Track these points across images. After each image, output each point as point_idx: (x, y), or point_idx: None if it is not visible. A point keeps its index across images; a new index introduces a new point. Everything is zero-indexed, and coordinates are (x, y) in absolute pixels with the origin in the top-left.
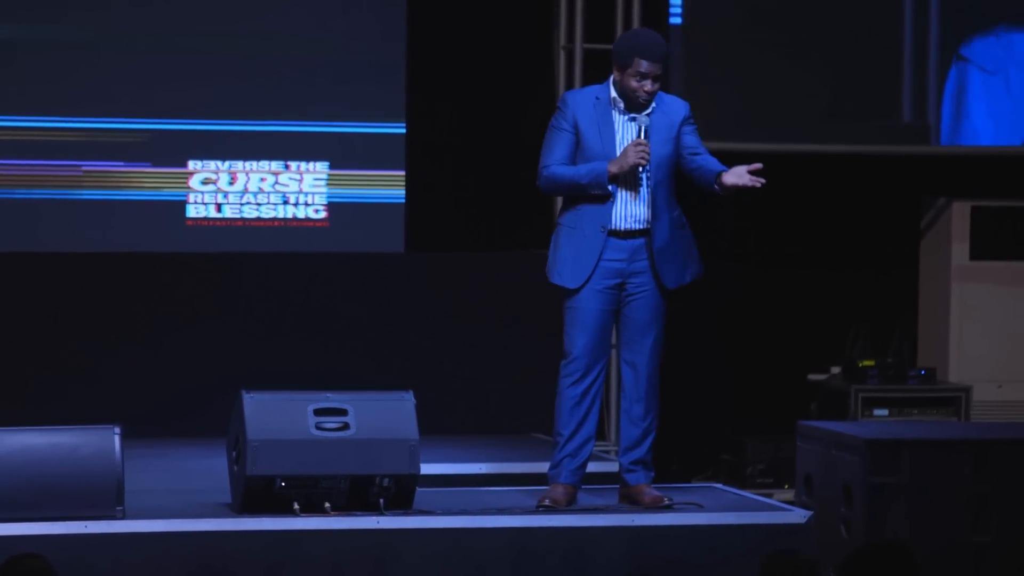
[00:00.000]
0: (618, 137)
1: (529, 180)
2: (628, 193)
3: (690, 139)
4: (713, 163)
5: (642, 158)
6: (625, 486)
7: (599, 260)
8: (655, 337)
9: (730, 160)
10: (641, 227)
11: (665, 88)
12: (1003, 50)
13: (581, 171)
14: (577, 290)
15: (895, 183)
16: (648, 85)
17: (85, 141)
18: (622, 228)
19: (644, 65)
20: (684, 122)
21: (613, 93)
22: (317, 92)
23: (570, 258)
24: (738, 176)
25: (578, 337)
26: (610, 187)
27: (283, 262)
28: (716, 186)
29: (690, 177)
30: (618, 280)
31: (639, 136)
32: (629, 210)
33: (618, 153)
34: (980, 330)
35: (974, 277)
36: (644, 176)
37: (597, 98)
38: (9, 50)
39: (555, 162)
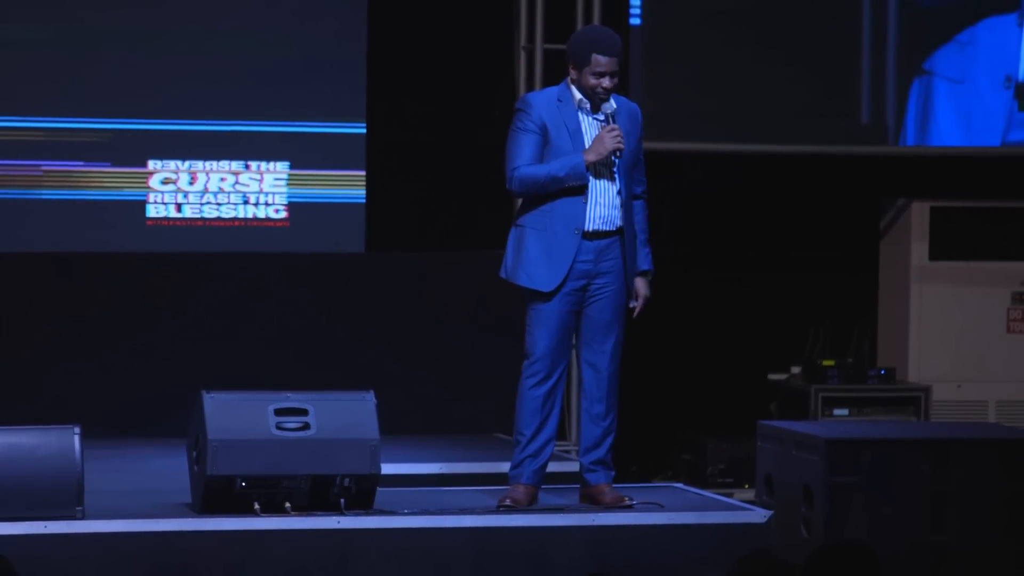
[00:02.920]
0: (587, 137)
1: (490, 180)
2: (599, 193)
3: (638, 168)
4: (640, 238)
5: (618, 143)
6: (586, 486)
7: (573, 263)
8: (616, 338)
9: (694, 161)
10: (608, 228)
11: (625, 89)
12: (967, 57)
13: (555, 166)
14: (548, 293)
15: (855, 183)
16: (606, 82)
17: (45, 141)
18: (591, 229)
19: (602, 61)
20: (640, 134)
21: (577, 95)
22: (277, 92)
23: (541, 260)
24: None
25: (541, 338)
26: (584, 189)
27: (243, 262)
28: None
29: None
30: (584, 282)
31: (609, 124)
32: (599, 211)
33: None
34: (939, 330)
35: (933, 277)
36: (615, 175)
37: (559, 99)
38: None
39: (525, 163)
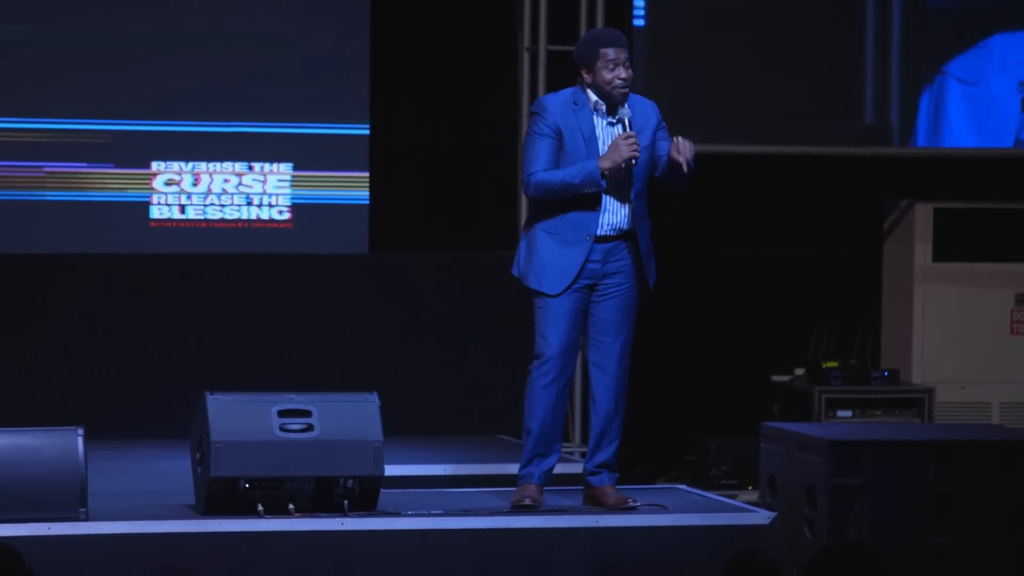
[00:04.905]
0: (600, 142)
1: (493, 181)
2: (613, 200)
3: (665, 145)
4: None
5: (634, 151)
6: (590, 487)
7: (583, 267)
8: (625, 339)
9: (697, 162)
10: (617, 232)
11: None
12: (982, 60)
13: (571, 172)
14: (556, 294)
15: (858, 185)
16: (622, 72)
17: (48, 142)
18: (601, 234)
19: (611, 52)
20: (658, 126)
21: (593, 97)
22: (281, 93)
23: (552, 264)
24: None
25: (553, 337)
26: (599, 196)
27: (247, 263)
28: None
29: (663, 177)
30: (592, 281)
31: (625, 130)
32: (610, 218)
33: None
34: (943, 331)
35: (937, 278)
36: (628, 182)
37: (575, 103)
38: None
39: (541, 168)
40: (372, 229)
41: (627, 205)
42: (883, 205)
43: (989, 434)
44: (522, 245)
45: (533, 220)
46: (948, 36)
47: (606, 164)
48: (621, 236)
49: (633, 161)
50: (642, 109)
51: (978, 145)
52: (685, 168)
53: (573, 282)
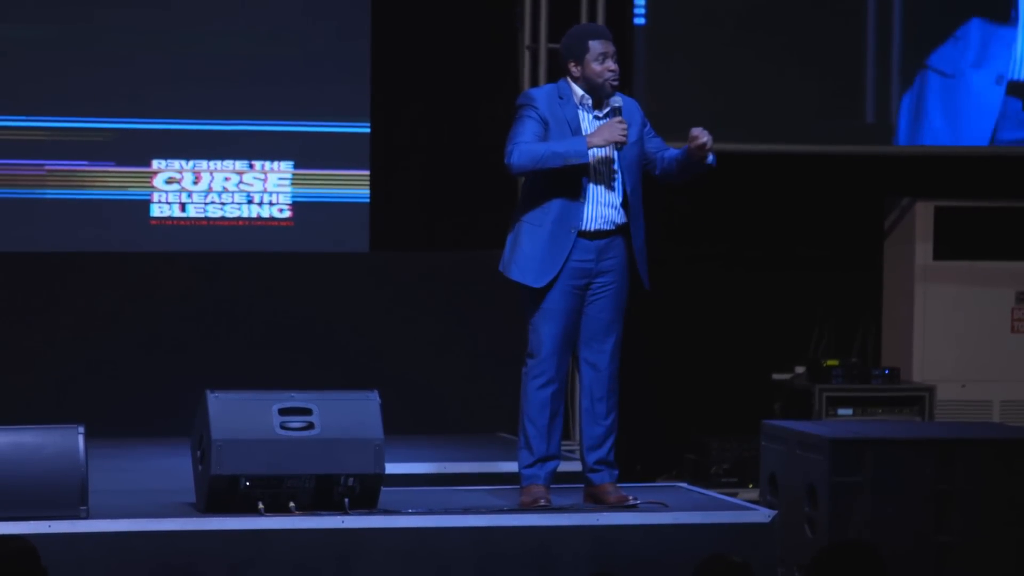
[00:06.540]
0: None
1: (493, 180)
2: (599, 192)
3: (655, 142)
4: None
5: (623, 136)
6: (590, 485)
7: (567, 260)
8: (616, 337)
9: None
10: (610, 228)
11: (628, 89)
12: (959, 52)
13: (556, 143)
14: (544, 289)
15: (859, 183)
16: (611, 63)
17: (48, 140)
18: (591, 228)
19: (599, 45)
20: (643, 124)
21: (579, 91)
22: (282, 91)
23: (536, 256)
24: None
25: (547, 338)
26: (583, 187)
27: (247, 262)
28: (690, 150)
29: (666, 171)
30: (586, 280)
31: (615, 116)
32: (599, 210)
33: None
34: (944, 330)
35: (938, 277)
36: (616, 175)
37: (560, 96)
38: None
39: (526, 141)
40: (373, 227)
41: (615, 198)
42: (884, 203)
43: (990, 432)
44: (508, 240)
45: (518, 214)
46: (944, 30)
47: (595, 140)
48: (616, 231)
49: (618, 146)
50: (627, 105)
51: (955, 138)
52: (706, 144)
53: (558, 275)
